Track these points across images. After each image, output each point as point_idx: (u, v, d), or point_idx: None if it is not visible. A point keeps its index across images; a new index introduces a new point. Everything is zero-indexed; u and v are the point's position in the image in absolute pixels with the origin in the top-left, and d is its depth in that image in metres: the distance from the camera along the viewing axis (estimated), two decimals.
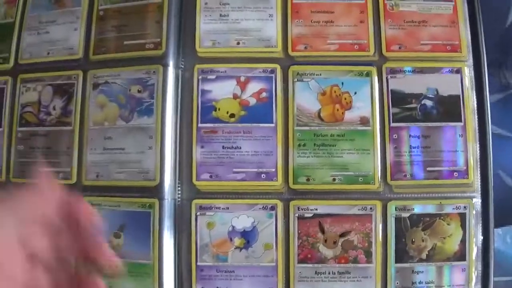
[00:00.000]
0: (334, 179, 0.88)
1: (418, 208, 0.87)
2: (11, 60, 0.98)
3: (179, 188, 0.91)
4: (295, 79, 0.91)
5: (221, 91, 0.91)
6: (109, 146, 0.92)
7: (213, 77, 0.91)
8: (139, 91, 0.92)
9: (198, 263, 0.89)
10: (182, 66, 0.93)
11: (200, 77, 0.91)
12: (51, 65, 0.96)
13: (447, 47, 0.90)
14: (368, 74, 0.90)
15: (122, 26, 0.94)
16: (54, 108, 0.95)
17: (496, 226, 0.86)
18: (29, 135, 0.96)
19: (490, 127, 0.87)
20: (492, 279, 0.85)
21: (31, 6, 0.99)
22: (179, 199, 0.91)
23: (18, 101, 0.97)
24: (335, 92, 0.90)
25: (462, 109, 0.88)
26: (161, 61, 0.91)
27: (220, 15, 0.93)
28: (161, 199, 0.89)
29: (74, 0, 0.97)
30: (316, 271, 0.88)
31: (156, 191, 0.89)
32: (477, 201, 0.87)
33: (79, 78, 0.95)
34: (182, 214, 0.90)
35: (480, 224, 0.87)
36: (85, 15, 0.96)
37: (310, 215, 0.88)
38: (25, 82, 0.97)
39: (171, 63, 0.92)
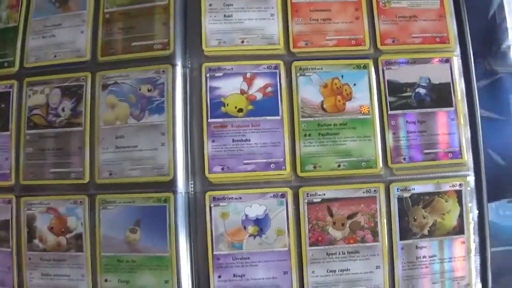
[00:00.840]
0: (339, 165, 0.99)
1: (417, 188, 0.99)
2: (16, 64, 1.05)
3: (192, 182, 1.00)
4: (298, 74, 1.01)
5: (229, 87, 1.00)
6: (121, 145, 1.00)
7: (221, 74, 1.01)
8: (149, 90, 1.00)
9: (215, 252, 0.98)
10: (189, 65, 1.02)
11: (208, 75, 1.01)
12: (58, 68, 1.04)
13: (437, 39, 1.03)
14: (366, 67, 1.02)
15: (129, 28, 1.02)
16: (63, 110, 1.02)
17: (489, 201, 0.99)
18: (38, 137, 1.03)
19: (478, 111, 1.00)
20: (489, 249, 0.98)
21: (34, 10, 1.06)
22: (193, 192, 0.99)
23: (25, 104, 1.04)
24: (336, 84, 1.01)
25: (452, 95, 1.01)
26: (170, 60, 1.00)
27: (225, 15, 1.02)
28: (175, 192, 0.97)
29: (79, 3, 1.05)
30: (327, 253, 0.98)
31: (170, 185, 0.98)
32: (471, 178, 1.00)
33: (88, 79, 1.02)
34: (196, 206, 0.99)
35: (475, 200, 1.00)
36: (91, 18, 1.04)
37: (319, 200, 0.99)
38: (31, 85, 1.04)
39: (179, 63, 1.01)
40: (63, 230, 1.00)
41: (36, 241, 1.01)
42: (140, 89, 1.00)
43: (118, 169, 1.00)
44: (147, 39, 1.01)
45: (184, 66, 1.01)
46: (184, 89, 1.01)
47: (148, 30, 1.02)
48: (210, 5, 1.03)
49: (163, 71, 1.00)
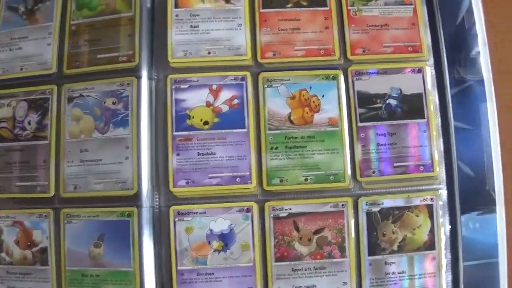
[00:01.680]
0: (306, 179, 1.01)
1: (387, 202, 1.00)
2: None
3: (157, 196, 1.03)
4: (265, 85, 1.04)
5: (194, 99, 1.03)
6: (86, 158, 1.03)
7: (186, 86, 1.04)
8: (113, 103, 1.03)
9: (179, 268, 1.00)
10: (155, 77, 1.05)
11: (173, 87, 1.04)
12: (25, 81, 1.08)
13: (409, 48, 1.04)
14: (335, 78, 1.04)
15: (95, 40, 1.06)
16: (29, 123, 1.06)
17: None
18: (4, 150, 1.07)
19: (452, 122, 1.01)
20: (462, 265, 0.99)
21: (2, 22, 1.10)
22: (157, 206, 1.02)
23: None
24: (303, 96, 1.03)
25: (424, 106, 1.02)
26: (135, 73, 1.04)
27: (191, 26, 1.05)
28: (139, 207, 1.00)
29: (46, 16, 1.09)
30: (293, 268, 1.00)
31: (134, 200, 1.01)
32: (443, 192, 1.01)
33: (54, 92, 1.06)
34: (161, 221, 1.02)
35: (447, 214, 1.00)
36: (57, 30, 1.08)
37: (285, 214, 1.01)
38: None
39: (144, 75, 1.04)
40: (29, 243, 1.04)
41: (3, 254, 1.05)
42: (105, 102, 1.04)
43: (82, 183, 1.03)
44: (113, 51, 1.05)
45: (150, 78, 1.04)
46: (150, 102, 1.04)
47: (113, 42, 1.05)
48: (177, 15, 1.06)
49: (128, 83, 1.03)
